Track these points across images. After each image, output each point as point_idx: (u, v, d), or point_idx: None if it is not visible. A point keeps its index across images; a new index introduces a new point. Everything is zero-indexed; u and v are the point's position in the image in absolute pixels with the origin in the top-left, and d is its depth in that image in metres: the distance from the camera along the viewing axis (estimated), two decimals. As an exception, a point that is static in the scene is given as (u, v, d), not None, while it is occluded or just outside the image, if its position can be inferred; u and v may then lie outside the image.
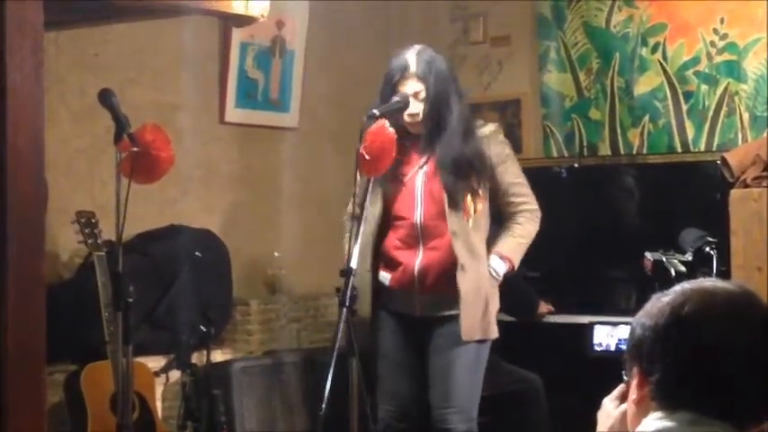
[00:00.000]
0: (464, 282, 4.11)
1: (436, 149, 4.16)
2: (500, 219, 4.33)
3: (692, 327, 1.71)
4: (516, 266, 4.28)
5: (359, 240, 3.90)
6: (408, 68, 4.15)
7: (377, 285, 4.25)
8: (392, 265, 4.24)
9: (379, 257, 4.28)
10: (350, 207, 4.29)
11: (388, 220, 4.25)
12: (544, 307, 5.34)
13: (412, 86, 4.15)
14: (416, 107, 4.16)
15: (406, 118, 4.17)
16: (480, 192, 4.18)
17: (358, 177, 4.16)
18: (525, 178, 4.32)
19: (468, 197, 4.14)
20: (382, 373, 4.28)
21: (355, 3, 5.86)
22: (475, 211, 4.14)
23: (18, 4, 2.50)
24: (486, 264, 4.18)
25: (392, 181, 4.21)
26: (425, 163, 4.22)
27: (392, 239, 4.23)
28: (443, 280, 4.15)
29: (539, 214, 4.30)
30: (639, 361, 1.75)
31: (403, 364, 4.26)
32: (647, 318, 1.76)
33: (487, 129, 4.27)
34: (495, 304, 4.22)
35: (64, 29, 4.56)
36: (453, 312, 4.14)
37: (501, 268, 4.23)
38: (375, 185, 4.12)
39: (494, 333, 4.21)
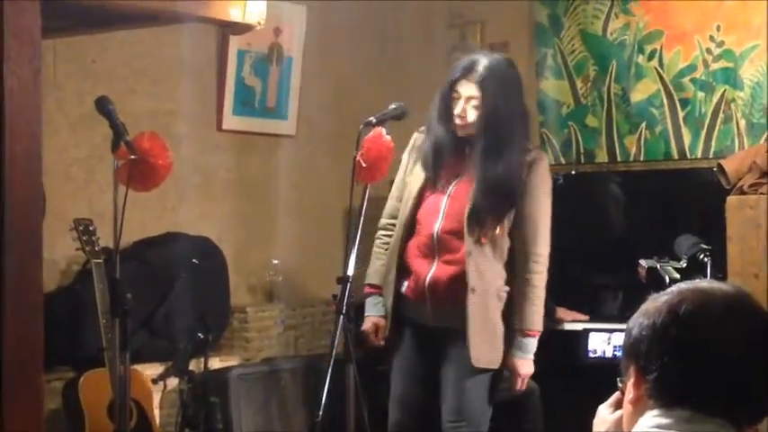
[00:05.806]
0: (472, 305, 3.97)
1: (479, 166, 3.99)
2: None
3: (689, 325, 1.71)
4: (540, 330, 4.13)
5: (356, 247, 3.89)
6: (471, 71, 3.97)
7: (398, 292, 4.14)
8: (408, 272, 4.12)
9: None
10: (382, 221, 4.30)
11: (414, 224, 4.13)
12: (567, 314, 5.24)
13: (468, 90, 3.97)
14: (463, 109, 3.99)
15: (454, 119, 4.02)
16: (505, 218, 4.03)
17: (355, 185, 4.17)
18: (549, 220, 4.12)
19: (490, 222, 4.00)
20: (394, 381, 4.18)
21: (353, 10, 5.86)
22: (493, 235, 4.01)
23: (16, 12, 2.50)
24: (494, 287, 4.03)
25: (427, 185, 4.10)
26: (463, 174, 4.07)
27: (413, 246, 4.11)
28: (454, 294, 4.00)
29: (547, 261, 4.12)
30: (636, 359, 1.75)
31: (415, 373, 4.13)
32: (644, 317, 1.76)
33: (531, 156, 4.08)
34: (501, 329, 4.06)
35: (62, 36, 4.56)
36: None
37: (532, 346, 4.10)
38: (413, 184, 4.09)
39: (498, 362, 4.07)
